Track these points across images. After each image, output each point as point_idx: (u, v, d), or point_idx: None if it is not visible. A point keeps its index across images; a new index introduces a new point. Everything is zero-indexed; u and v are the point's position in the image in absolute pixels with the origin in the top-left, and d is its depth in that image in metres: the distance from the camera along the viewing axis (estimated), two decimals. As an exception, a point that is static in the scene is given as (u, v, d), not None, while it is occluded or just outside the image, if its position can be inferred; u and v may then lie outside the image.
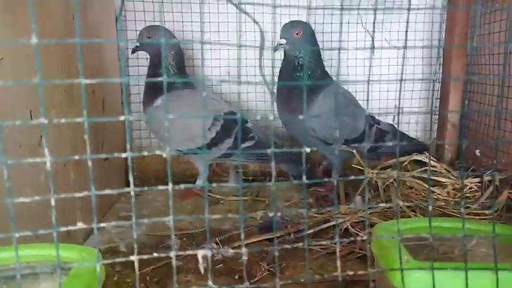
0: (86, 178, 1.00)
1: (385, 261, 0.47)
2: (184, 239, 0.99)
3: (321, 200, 1.18)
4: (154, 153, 0.72)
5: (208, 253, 0.38)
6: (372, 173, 1.03)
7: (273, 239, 0.96)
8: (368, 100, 1.38)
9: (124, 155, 0.38)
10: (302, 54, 1.13)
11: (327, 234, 0.97)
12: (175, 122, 1.15)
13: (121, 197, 1.30)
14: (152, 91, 1.18)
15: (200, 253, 0.38)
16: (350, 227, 0.94)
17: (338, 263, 0.42)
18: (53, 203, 0.35)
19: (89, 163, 0.36)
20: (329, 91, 1.15)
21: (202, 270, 0.38)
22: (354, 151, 1.06)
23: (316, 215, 1.03)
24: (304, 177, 0.42)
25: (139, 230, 1.05)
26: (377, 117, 1.28)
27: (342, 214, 0.99)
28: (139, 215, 1.15)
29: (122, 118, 0.38)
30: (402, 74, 0.48)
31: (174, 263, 0.38)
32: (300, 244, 0.47)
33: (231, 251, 0.89)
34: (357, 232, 0.92)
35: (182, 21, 1.38)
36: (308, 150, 0.42)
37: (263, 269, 0.82)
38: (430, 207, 0.43)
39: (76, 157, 0.38)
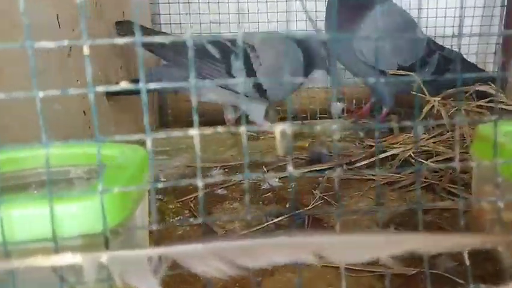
0: (120, 105, 0.94)
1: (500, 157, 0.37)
2: (227, 170, 0.92)
3: (372, 133, 1.07)
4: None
5: (288, 129, 0.29)
6: (434, 100, 0.90)
7: (322, 170, 0.88)
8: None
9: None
10: None
11: (384, 165, 0.87)
12: None
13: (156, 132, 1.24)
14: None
15: (278, 127, 0.29)
16: (411, 156, 0.84)
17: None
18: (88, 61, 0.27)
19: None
20: (384, 7, 1.00)
21: (279, 150, 0.30)
22: (413, 74, 0.93)
23: (371, 144, 0.94)
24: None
25: (178, 162, 0.99)
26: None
27: (401, 144, 0.88)
28: (177, 149, 1.09)
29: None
30: None
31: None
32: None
33: (277, 180, 0.82)
34: (421, 161, 0.82)
35: None
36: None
37: (317, 197, 0.74)
38: None
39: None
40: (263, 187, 0.80)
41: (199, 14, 1.29)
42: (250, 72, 0.99)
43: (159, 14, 1.30)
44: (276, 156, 1.00)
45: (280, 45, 1.03)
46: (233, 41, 1.00)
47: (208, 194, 0.79)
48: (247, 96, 1.04)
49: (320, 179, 0.84)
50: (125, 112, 0.98)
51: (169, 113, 1.35)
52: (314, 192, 0.76)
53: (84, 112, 0.76)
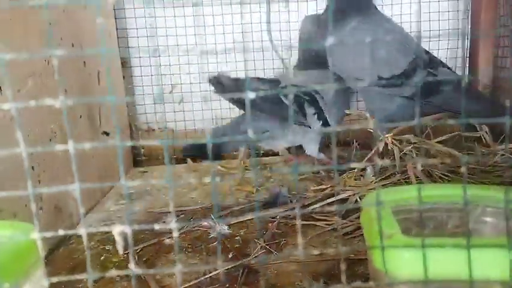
0: (79, 155, 0.96)
1: (369, 237, 0.38)
2: (183, 215, 0.93)
3: (333, 172, 1.08)
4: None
5: (127, 230, 0.31)
6: (387, 137, 0.91)
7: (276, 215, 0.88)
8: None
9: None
10: None
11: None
12: None
13: (126, 174, 1.26)
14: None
15: (116, 229, 0.31)
16: (359, 200, 0.84)
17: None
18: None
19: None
20: (365, 17, 1.00)
21: (120, 250, 0.31)
22: (368, 115, 0.94)
23: (325, 187, 0.94)
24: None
25: (139, 207, 1.01)
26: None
27: (351, 186, 0.89)
28: (142, 192, 1.11)
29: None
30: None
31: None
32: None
33: (226, 227, 0.83)
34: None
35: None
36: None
37: (259, 246, 0.75)
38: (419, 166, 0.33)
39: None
40: (211, 235, 0.81)
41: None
42: (320, 113, 1.10)
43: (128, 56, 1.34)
44: (236, 199, 1.01)
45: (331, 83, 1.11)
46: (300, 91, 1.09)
47: (156, 244, 0.80)
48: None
49: (270, 224, 0.85)
50: (91, 156, 1.00)
51: (142, 152, 1.38)
52: (257, 241, 0.77)
53: (33, 168, 0.78)
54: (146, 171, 1.27)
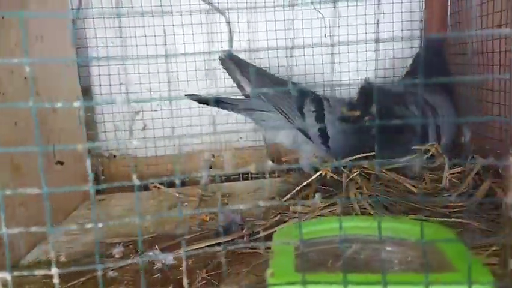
0: (30, 185, 0.95)
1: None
2: (131, 246, 0.92)
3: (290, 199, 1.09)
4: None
5: (8, 276, 0.31)
6: (327, 167, 0.94)
7: (226, 243, 0.88)
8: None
9: None
10: None
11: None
12: None
13: (84, 202, 1.24)
14: None
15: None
16: (305, 227, 0.85)
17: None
18: None
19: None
20: None
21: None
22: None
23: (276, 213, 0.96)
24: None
25: (91, 237, 0.99)
26: None
27: (300, 213, 0.90)
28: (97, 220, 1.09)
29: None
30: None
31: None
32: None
33: (171, 257, 0.82)
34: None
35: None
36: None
37: (199, 278, 0.74)
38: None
39: None
40: (155, 267, 0.80)
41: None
42: (319, 118, 1.06)
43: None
44: (189, 227, 1.00)
45: None
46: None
47: (96, 276, 0.78)
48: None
49: (218, 254, 0.85)
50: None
51: (102, 179, 1.37)
52: (199, 271, 0.76)
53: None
54: (104, 199, 1.25)
